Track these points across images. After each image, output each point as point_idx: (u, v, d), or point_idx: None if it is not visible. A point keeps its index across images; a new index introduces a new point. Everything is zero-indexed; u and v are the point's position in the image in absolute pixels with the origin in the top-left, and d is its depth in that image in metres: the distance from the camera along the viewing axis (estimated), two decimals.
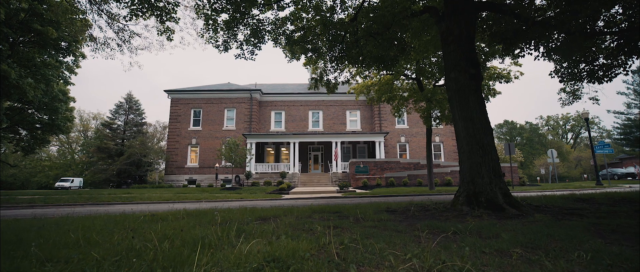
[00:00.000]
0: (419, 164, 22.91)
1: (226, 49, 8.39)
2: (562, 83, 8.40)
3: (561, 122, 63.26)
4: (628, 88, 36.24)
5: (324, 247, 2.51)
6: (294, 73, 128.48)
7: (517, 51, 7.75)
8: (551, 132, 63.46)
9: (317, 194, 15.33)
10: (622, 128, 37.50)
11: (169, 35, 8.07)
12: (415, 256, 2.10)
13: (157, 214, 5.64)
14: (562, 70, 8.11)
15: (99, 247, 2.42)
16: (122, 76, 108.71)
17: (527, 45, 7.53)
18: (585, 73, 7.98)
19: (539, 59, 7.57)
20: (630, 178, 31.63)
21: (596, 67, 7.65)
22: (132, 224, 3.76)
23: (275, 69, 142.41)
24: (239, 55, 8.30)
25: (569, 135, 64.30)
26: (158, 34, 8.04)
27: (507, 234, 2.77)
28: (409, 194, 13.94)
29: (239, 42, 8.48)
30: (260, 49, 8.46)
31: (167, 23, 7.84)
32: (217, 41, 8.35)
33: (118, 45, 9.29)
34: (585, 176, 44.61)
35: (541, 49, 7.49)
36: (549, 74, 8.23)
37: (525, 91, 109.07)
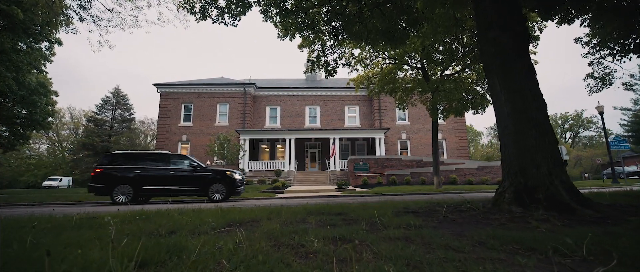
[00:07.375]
0: (422, 161, 21.58)
1: (204, 17, 6.91)
2: (609, 58, 7.04)
3: (560, 122, 62.36)
4: (635, 84, 35.06)
5: None
6: (290, 69, 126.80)
7: (556, 18, 6.38)
8: None
9: (314, 193, 14.02)
10: (630, 125, 36.24)
11: None
12: None
13: (98, 216, 4.20)
14: (607, 41, 6.75)
15: None
16: (120, 78, 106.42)
17: (571, 10, 6.16)
18: (634, 45, 6.64)
19: (584, 26, 6.23)
20: (636, 177, 30.59)
21: None
22: (26, 235, 2.32)
23: (271, 64, 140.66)
24: (217, 19, 6.83)
25: (567, 134, 63.39)
26: None
27: None
28: (415, 193, 12.54)
29: (219, 10, 7.02)
30: (244, 14, 7.00)
31: None
32: (193, 6, 6.89)
33: (75, 12, 7.79)
34: (586, 175, 43.46)
35: (588, 14, 6.13)
36: (588, 53, 6.89)
37: None
